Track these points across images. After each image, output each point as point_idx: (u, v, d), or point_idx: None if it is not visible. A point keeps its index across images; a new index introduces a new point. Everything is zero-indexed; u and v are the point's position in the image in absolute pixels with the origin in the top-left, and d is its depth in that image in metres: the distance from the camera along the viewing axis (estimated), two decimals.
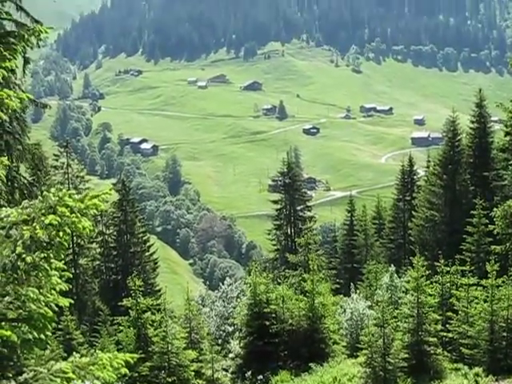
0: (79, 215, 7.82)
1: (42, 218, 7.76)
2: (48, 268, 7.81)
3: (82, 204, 7.83)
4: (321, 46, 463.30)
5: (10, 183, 24.19)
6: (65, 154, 47.65)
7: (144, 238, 53.17)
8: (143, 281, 31.61)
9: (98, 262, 50.86)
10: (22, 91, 21.27)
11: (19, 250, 7.73)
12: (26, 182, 25.99)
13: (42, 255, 7.73)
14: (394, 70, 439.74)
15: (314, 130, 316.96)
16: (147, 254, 52.90)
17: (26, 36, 8.99)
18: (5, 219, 8.02)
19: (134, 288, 27.13)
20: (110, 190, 8.42)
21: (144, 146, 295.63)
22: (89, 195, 7.87)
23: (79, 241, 46.20)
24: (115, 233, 51.65)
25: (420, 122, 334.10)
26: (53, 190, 7.90)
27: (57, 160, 47.50)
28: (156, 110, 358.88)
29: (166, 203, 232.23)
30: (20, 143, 24.89)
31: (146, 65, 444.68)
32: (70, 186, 46.47)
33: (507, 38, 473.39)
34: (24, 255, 7.75)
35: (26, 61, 18.98)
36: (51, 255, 7.83)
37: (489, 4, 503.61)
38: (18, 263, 7.70)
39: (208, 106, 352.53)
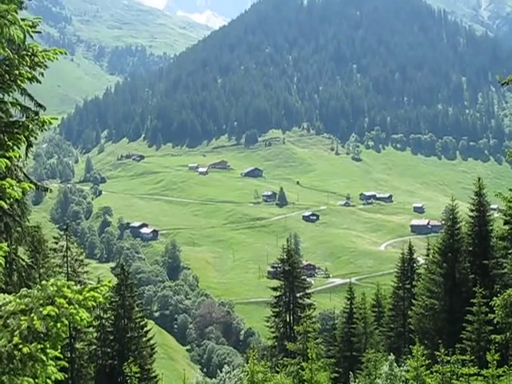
0: (77, 307, 7.78)
1: (40, 309, 7.72)
2: (44, 359, 7.73)
3: (80, 296, 7.81)
4: (321, 133, 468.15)
5: (8, 265, 24.14)
6: (64, 236, 47.63)
7: (141, 323, 52.68)
8: (139, 366, 31.26)
9: (94, 347, 50.29)
10: (24, 174, 21.47)
11: (16, 340, 7.67)
12: (24, 264, 25.95)
13: (39, 346, 7.65)
14: (394, 158, 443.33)
15: (314, 217, 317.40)
16: (144, 339, 52.32)
17: (31, 126, 9.12)
18: (2, 308, 7.98)
19: (130, 374, 26.82)
20: (109, 282, 8.40)
21: (144, 230, 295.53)
22: (88, 287, 7.85)
23: (76, 325, 45.66)
24: (113, 317, 51.20)
25: (419, 210, 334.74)
26: (52, 280, 7.88)
27: (56, 243, 47.45)
28: (157, 194, 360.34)
29: (164, 288, 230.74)
30: (20, 225, 24.90)
31: (148, 150, 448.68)
32: (69, 269, 46.37)
33: (505, 127, 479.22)
34: (21, 345, 7.68)
35: (29, 144, 19.17)
36: (48, 346, 7.75)
37: (487, 94, 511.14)
38: (15, 353, 7.62)
39: (208, 191, 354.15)
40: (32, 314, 7.63)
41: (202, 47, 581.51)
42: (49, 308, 7.61)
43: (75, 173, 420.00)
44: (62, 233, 48.37)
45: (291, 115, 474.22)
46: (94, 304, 8.00)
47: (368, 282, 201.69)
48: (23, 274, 24.93)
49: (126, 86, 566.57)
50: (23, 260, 26.50)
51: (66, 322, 7.76)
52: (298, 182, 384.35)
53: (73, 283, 8.01)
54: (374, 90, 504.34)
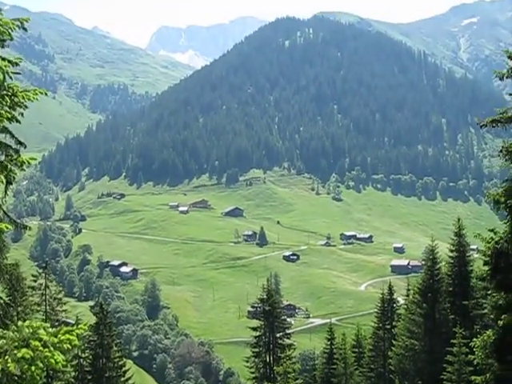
0: (52, 349, 7.64)
1: (15, 351, 7.58)
2: None
3: (55, 338, 7.68)
4: (302, 173, 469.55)
5: None
6: (43, 274, 47.31)
7: (120, 363, 52.18)
8: None
9: None
10: (4, 211, 21.31)
11: None
12: (2, 302, 25.66)
13: None
14: (374, 199, 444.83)
15: (294, 257, 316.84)
16: (123, 379, 51.83)
17: (9, 166, 9.03)
18: None
19: None
20: (85, 324, 8.29)
21: (123, 269, 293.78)
22: (63, 329, 7.72)
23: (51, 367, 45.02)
24: (91, 357, 50.71)
25: (400, 250, 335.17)
26: (27, 321, 7.73)
27: (35, 281, 47.09)
28: (137, 233, 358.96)
29: (143, 327, 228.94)
30: None
31: (129, 188, 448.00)
32: (47, 307, 45.99)
33: (484, 168, 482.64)
34: None
35: (8, 182, 19.06)
36: None
37: (466, 135, 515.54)
38: None
39: (189, 230, 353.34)
40: (6, 357, 7.48)
41: (183, 86, 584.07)
42: (23, 351, 7.46)
43: (55, 210, 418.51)
44: (40, 271, 48.05)
45: (272, 155, 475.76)
46: (70, 347, 7.86)
47: (348, 323, 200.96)
48: (0, 313, 24.65)
49: (107, 125, 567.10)
50: (1, 298, 26.22)
51: (41, 365, 7.60)
52: (278, 222, 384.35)
53: (48, 325, 7.88)
54: (354, 131, 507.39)
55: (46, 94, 12.01)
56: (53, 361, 7.76)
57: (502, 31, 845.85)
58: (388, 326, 59.10)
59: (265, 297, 54.27)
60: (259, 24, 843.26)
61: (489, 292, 28.38)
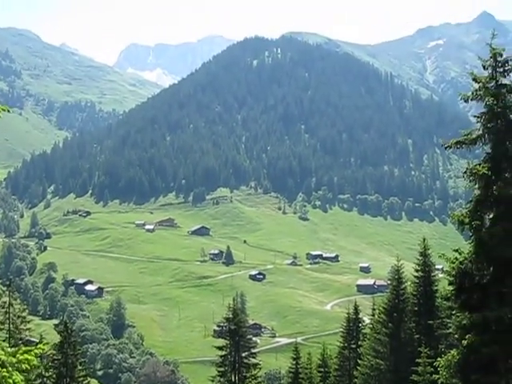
0: (11, 369, 7.56)
1: None
2: None
3: (14, 358, 7.61)
4: (268, 193, 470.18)
5: None
6: (7, 292, 46.89)
7: (84, 382, 51.69)
8: None
9: None
10: None
11: None
12: None
13: None
14: (340, 218, 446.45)
15: (261, 276, 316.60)
16: None
17: None
18: None
19: None
20: (44, 344, 8.24)
21: (89, 287, 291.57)
22: (22, 349, 7.64)
23: None
24: (54, 376, 50.18)
25: (365, 270, 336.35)
26: None
27: None
28: (103, 251, 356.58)
29: (108, 346, 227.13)
30: None
31: (95, 206, 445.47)
32: (11, 326, 45.56)
33: (450, 188, 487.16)
34: None
35: None
36: None
37: (432, 156, 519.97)
38: None
39: (155, 249, 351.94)
40: None
41: (151, 104, 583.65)
42: None
43: (20, 227, 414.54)
44: (4, 288, 47.66)
45: (239, 174, 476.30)
46: (28, 367, 7.77)
47: (314, 342, 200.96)
48: None
49: (74, 142, 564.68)
50: None
51: None
52: (245, 241, 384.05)
53: (7, 345, 7.82)
54: (321, 151, 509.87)
55: (8, 111, 11.86)
56: (11, 381, 7.68)
57: (468, 53, 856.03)
58: (353, 346, 59.22)
59: (230, 316, 54.10)
60: (227, 43, 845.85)
61: (453, 312, 28.58)
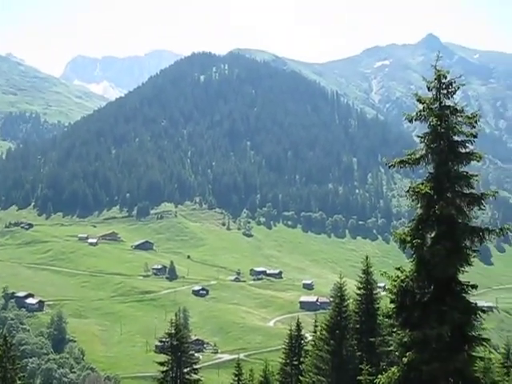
0: None
1: None
2: None
3: None
4: (213, 208, 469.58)
5: None
6: None
7: None
8: None
9: None
10: None
11: None
12: None
13: None
14: (285, 235, 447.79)
15: (204, 292, 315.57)
16: None
17: None
18: None
19: None
20: None
21: (29, 300, 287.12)
22: None
23: None
24: None
25: (309, 287, 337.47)
26: None
27: None
28: (44, 264, 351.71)
29: (48, 361, 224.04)
30: None
31: (38, 218, 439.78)
32: None
33: (393, 207, 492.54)
34: None
35: None
36: None
37: (376, 175, 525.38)
38: None
39: (98, 263, 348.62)
40: None
41: (97, 117, 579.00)
42: None
43: None
44: None
45: (184, 189, 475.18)
46: None
47: (256, 358, 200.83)
48: None
49: (17, 153, 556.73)
50: None
51: None
52: (188, 256, 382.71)
53: None
54: (266, 168, 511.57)
55: None
56: None
57: (413, 74, 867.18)
58: (295, 362, 59.30)
59: (173, 331, 53.88)
60: (175, 58, 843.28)
61: (394, 329, 28.90)
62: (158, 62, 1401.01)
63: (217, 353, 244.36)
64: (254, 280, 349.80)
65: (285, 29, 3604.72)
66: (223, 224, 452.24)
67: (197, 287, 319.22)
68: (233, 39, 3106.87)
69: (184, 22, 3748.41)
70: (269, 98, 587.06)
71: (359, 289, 48.14)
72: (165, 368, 53.59)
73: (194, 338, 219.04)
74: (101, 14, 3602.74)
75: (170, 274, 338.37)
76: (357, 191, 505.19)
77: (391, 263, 53.73)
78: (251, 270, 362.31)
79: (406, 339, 26.57)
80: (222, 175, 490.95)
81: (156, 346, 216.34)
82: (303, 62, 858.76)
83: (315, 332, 59.68)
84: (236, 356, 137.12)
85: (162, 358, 55.18)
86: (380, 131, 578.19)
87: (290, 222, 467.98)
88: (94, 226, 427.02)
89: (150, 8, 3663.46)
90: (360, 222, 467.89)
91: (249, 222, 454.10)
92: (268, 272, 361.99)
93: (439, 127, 26.89)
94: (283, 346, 62.90)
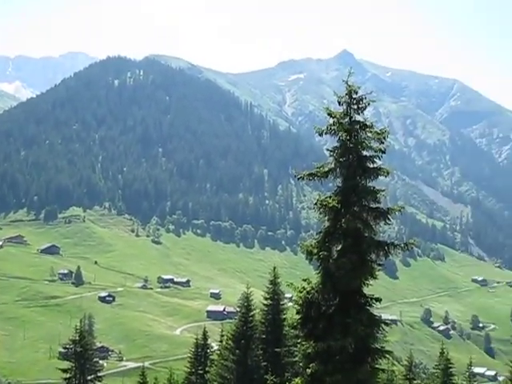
0: None
1: None
2: None
3: None
4: (122, 214, 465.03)
5: None
6: None
7: None
8: None
9: None
10: None
11: None
12: None
13: None
14: (194, 244, 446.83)
15: (110, 298, 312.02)
16: None
17: None
18: None
19: None
20: None
21: None
22: None
23: None
24: None
25: (216, 296, 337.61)
26: None
27: None
28: None
29: None
30: None
31: None
32: None
33: (302, 219, 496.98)
34: None
35: None
36: None
37: (286, 186, 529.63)
38: None
39: (2, 266, 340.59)
40: None
41: (7, 117, 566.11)
42: None
43: None
44: None
45: (93, 194, 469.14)
46: None
47: (162, 367, 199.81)
48: None
49: None
50: None
51: None
52: (95, 262, 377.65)
53: None
54: (177, 175, 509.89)
55: None
56: None
57: (327, 89, 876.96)
58: (201, 372, 59.26)
59: (77, 338, 53.28)
60: (90, 61, 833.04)
61: (299, 340, 29.18)
62: (73, 64, 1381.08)
63: (122, 360, 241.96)
64: (161, 288, 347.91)
65: (201, 38, 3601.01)
66: (132, 230, 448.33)
67: (103, 293, 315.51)
68: (149, 45, 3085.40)
69: (100, 26, 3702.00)
70: (183, 106, 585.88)
71: (266, 299, 48.47)
72: (68, 375, 52.93)
73: (98, 344, 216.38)
74: (15, 12, 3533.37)
75: (77, 279, 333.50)
76: (267, 202, 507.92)
77: (299, 274, 54.40)
78: (159, 277, 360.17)
79: (310, 350, 26.83)
80: (133, 181, 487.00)
81: (60, 353, 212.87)
82: (218, 72, 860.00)
83: (221, 341, 59.76)
84: (141, 364, 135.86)
85: (66, 364, 54.49)
86: (292, 143, 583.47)
87: (199, 231, 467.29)
88: (0, 228, 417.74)
89: (67, 8, 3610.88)
90: (269, 233, 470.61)
91: (158, 229, 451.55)
92: (176, 280, 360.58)
93: (348, 142, 27.28)
94: (189, 355, 62.85)
